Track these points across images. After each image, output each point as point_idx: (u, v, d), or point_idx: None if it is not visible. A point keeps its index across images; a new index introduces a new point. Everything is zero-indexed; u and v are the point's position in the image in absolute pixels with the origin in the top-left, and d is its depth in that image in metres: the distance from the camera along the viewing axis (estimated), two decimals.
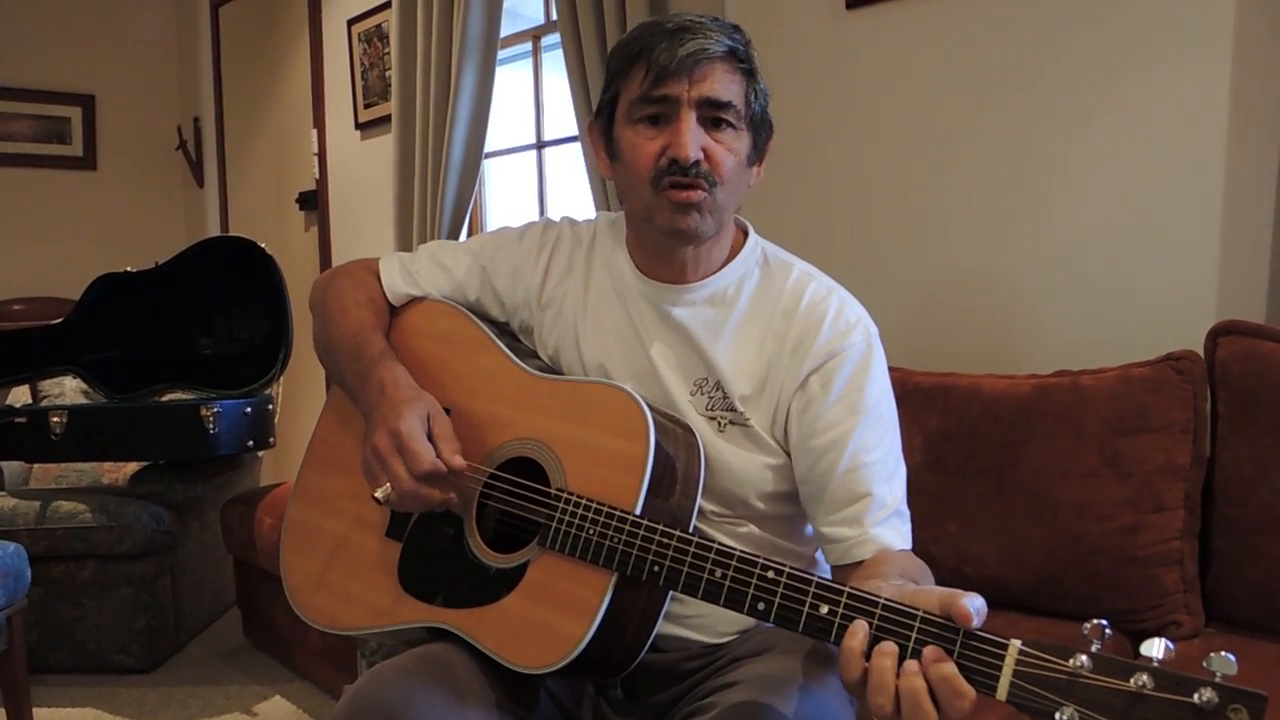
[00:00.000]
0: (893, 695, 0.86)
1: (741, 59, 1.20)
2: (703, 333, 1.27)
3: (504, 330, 1.41)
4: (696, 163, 1.16)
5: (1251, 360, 1.61)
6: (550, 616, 1.12)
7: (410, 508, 1.22)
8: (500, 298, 1.41)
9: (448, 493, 1.21)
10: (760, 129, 1.24)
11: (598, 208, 2.72)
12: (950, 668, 0.84)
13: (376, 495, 1.19)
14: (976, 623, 0.85)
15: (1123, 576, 1.65)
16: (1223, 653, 0.75)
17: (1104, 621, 0.81)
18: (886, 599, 0.91)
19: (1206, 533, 1.66)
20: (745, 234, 1.33)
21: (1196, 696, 0.75)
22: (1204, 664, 0.76)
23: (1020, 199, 2.05)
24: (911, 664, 0.86)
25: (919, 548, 1.21)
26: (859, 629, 0.90)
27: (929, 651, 0.86)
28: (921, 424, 1.86)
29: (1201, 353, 1.68)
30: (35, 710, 2.53)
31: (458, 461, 1.20)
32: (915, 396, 1.88)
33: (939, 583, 1.12)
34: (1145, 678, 0.77)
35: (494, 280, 1.40)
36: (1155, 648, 0.78)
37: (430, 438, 1.20)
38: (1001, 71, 2.05)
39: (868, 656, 0.89)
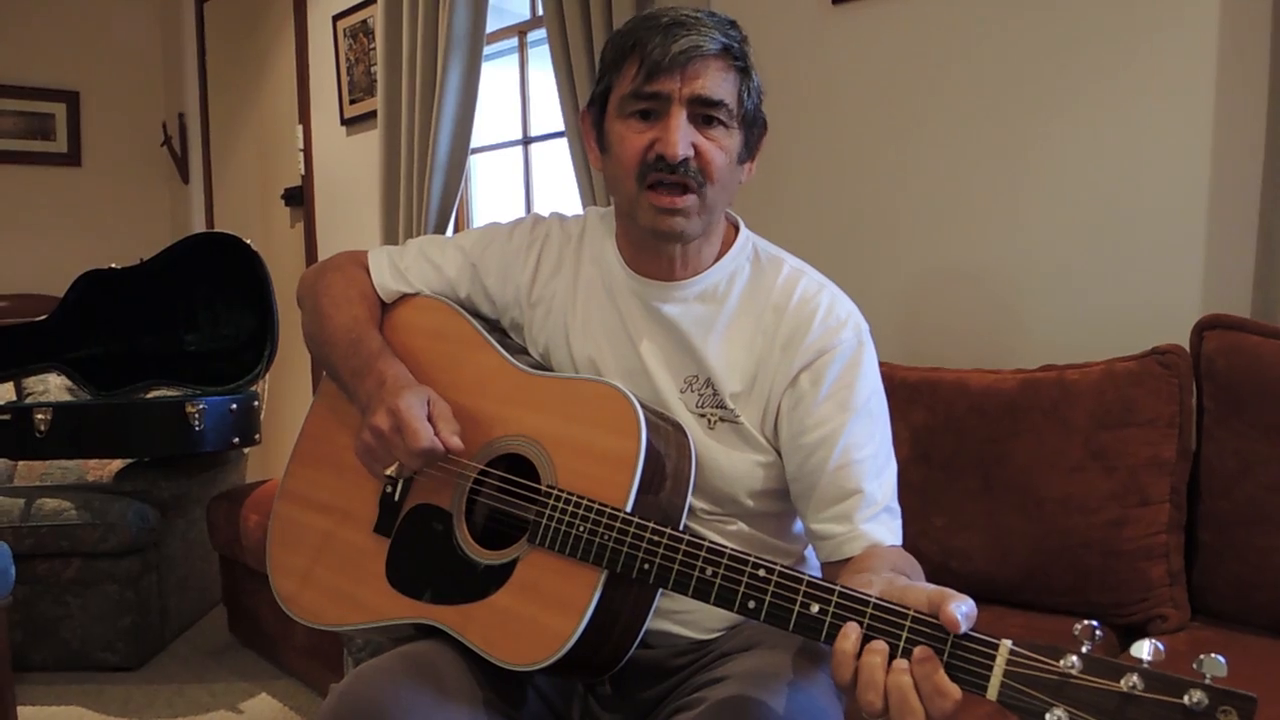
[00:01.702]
0: (882, 691, 0.86)
1: (736, 56, 1.19)
2: (693, 330, 1.26)
3: (495, 326, 1.41)
4: (685, 160, 1.16)
5: (1236, 354, 1.62)
6: (539, 613, 1.11)
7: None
8: (491, 295, 1.40)
9: (447, 476, 1.22)
10: (753, 127, 1.24)
11: (584, 203, 2.71)
12: (935, 668, 0.85)
13: (389, 473, 1.22)
14: (965, 628, 0.85)
15: (1108, 570, 1.66)
16: (1213, 654, 0.75)
17: (1094, 623, 0.81)
18: (877, 598, 0.91)
19: (1192, 526, 1.67)
20: (736, 229, 1.32)
21: (1187, 698, 0.75)
22: (1194, 665, 0.76)
23: (1006, 194, 2.05)
24: (900, 662, 0.87)
25: (906, 543, 1.22)
26: (851, 631, 0.90)
27: (918, 651, 0.86)
28: (908, 419, 1.86)
29: (1187, 347, 1.69)
30: (20, 709, 2.52)
31: (455, 442, 1.20)
32: (902, 392, 1.88)
33: (926, 576, 1.12)
34: (1135, 679, 0.78)
35: (484, 279, 1.40)
36: (1145, 649, 0.78)
37: (430, 419, 1.20)
38: (987, 67, 2.06)
39: (859, 657, 0.89)
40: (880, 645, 0.88)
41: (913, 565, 1.17)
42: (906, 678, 0.85)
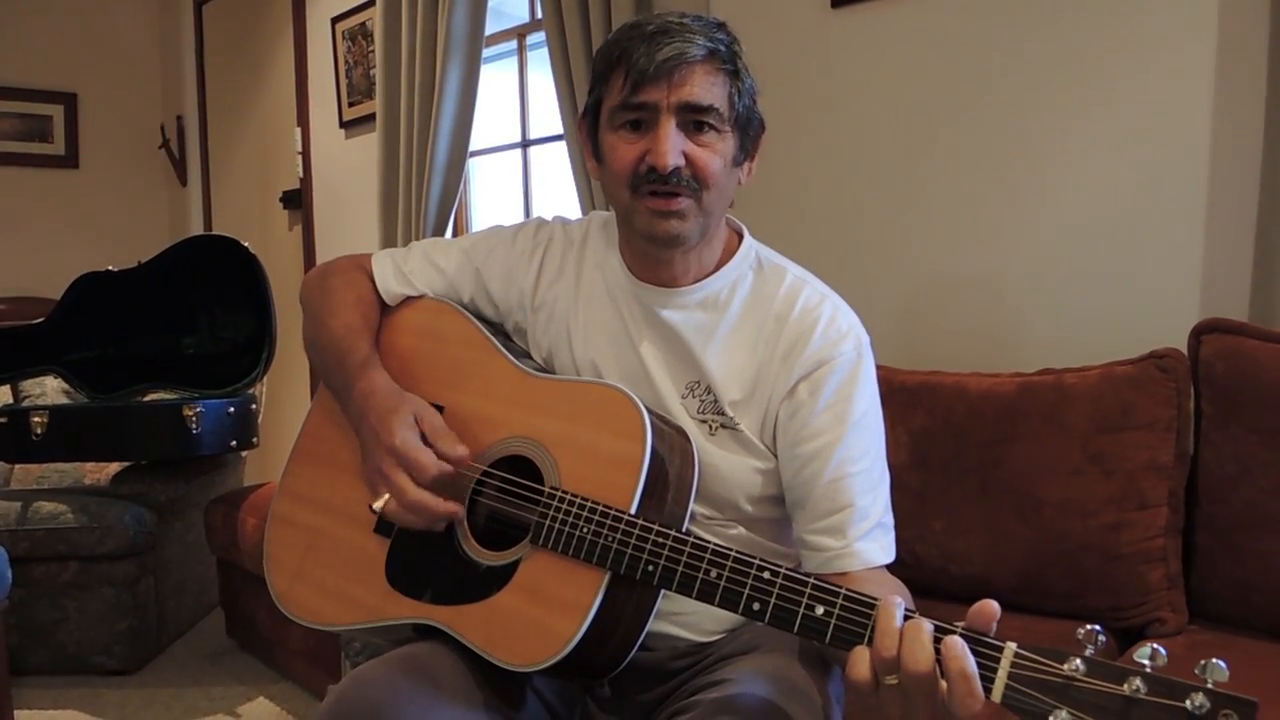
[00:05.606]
0: (897, 639, 0.87)
1: (724, 59, 1.17)
2: (694, 336, 1.26)
3: (498, 329, 1.40)
4: (676, 170, 1.15)
5: (1234, 358, 1.62)
6: (541, 614, 1.11)
7: (412, 521, 1.19)
8: (494, 300, 1.40)
9: (449, 500, 1.19)
10: (747, 128, 1.22)
11: (583, 206, 2.71)
12: (970, 665, 0.84)
13: (374, 507, 1.19)
14: (998, 614, 0.87)
15: (1107, 574, 1.66)
16: (1214, 660, 0.76)
17: (1097, 627, 0.82)
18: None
19: (1190, 530, 1.68)
20: (740, 237, 1.32)
21: (1189, 702, 0.76)
22: (1195, 670, 0.77)
23: (1005, 197, 2.06)
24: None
25: (904, 547, 1.22)
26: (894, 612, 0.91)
27: (954, 641, 0.86)
28: (907, 423, 1.87)
29: (1185, 351, 1.69)
30: (16, 712, 2.52)
31: (460, 451, 1.19)
32: (900, 395, 1.89)
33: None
34: (1138, 682, 0.79)
35: (488, 283, 1.40)
36: (1147, 653, 0.79)
37: (426, 440, 1.20)
38: (986, 71, 2.06)
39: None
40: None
41: (906, 597, 1.17)
42: (930, 647, 0.86)
